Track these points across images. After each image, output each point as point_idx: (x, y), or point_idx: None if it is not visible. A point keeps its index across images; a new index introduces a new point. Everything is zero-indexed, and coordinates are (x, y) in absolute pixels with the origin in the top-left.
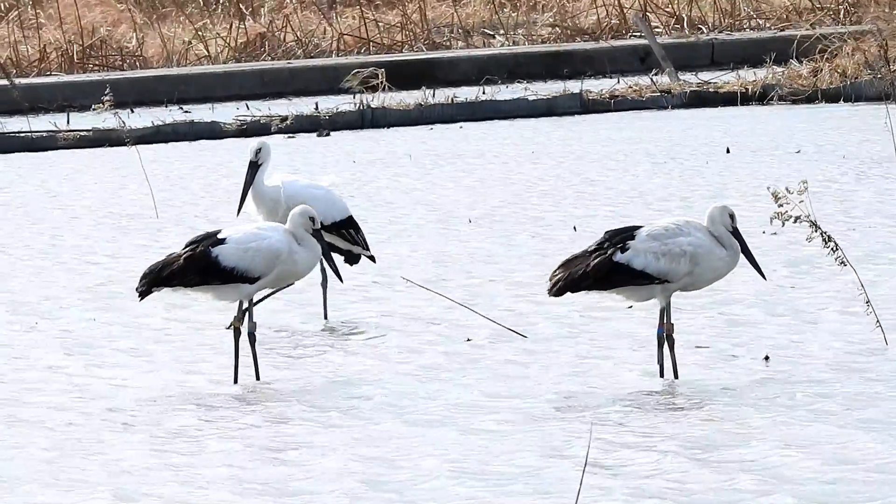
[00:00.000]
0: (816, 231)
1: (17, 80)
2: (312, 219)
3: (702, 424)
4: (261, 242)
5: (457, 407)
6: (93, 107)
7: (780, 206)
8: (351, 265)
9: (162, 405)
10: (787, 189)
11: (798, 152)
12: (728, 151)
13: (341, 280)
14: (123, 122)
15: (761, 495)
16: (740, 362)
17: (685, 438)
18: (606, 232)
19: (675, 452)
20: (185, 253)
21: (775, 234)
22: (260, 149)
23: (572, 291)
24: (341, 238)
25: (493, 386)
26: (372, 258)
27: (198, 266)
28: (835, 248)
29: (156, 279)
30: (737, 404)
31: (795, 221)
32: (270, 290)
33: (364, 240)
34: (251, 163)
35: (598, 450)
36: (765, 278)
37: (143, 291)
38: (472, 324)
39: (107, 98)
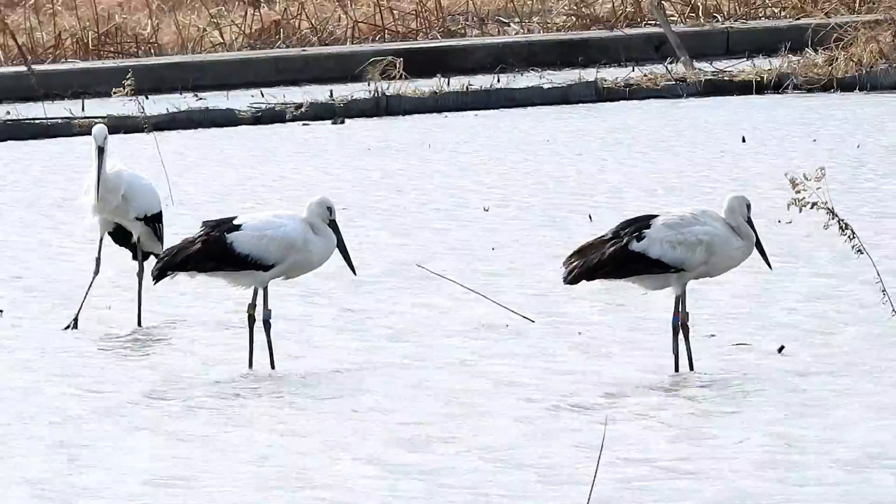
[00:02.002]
0: (833, 218)
1: (33, 67)
2: (330, 209)
3: (718, 414)
4: (276, 230)
5: (471, 395)
6: (113, 91)
7: (798, 192)
8: (143, 260)
9: (176, 391)
10: (804, 176)
11: (814, 141)
12: (743, 140)
13: (355, 272)
14: (142, 108)
15: (777, 482)
16: (754, 351)
17: (700, 428)
18: (622, 222)
19: (691, 442)
20: (200, 237)
21: (790, 222)
22: (106, 134)
23: (588, 279)
24: (153, 231)
25: (507, 374)
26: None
27: (212, 251)
28: (852, 236)
29: (170, 263)
30: (752, 394)
31: (812, 207)
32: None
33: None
34: (99, 148)
35: (613, 439)
36: (771, 268)
37: (158, 275)
38: (486, 311)
39: (128, 83)
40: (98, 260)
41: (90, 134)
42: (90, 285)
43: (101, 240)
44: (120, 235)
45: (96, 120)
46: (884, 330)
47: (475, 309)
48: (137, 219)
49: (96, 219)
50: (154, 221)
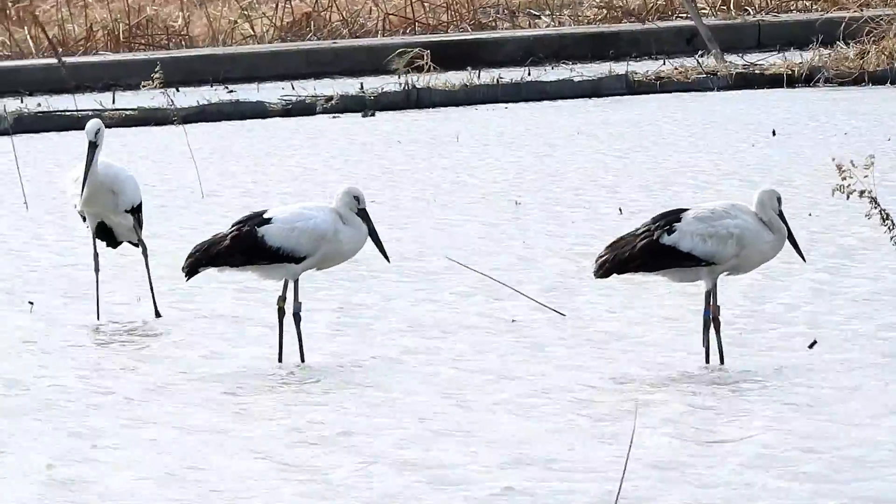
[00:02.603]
0: (876, 207)
1: (64, 59)
2: (358, 198)
3: (748, 409)
4: (306, 222)
5: (500, 386)
6: (142, 84)
7: (844, 178)
8: (115, 248)
9: (204, 383)
10: (851, 163)
11: (845, 134)
12: (774, 134)
13: (388, 260)
14: (172, 101)
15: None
16: (786, 346)
17: (730, 422)
18: (654, 217)
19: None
20: (231, 232)
21: (818, 216)
22: (99, 129)
23: (618, 273)
24: (138, 222)
25: (537, 366)
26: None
27: (243, 245)
28: (891, 227)
29: (202, 258)
30: (782, 389)
31: (862, 195)
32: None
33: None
34: (91, 143)
35: (643, 433)
36: (805, 261)
37: (190, 271)
38: (516, 304)
39: (157, 75)
40: (96, 256)
41: (120, 126)
42: (97, 282)
43: (94, 235)
44: (102, 228)
45: (127, 112)
46: None
47: (505, 302)
48: (125, 211)
49: (85, 214)
50: (138, 212)
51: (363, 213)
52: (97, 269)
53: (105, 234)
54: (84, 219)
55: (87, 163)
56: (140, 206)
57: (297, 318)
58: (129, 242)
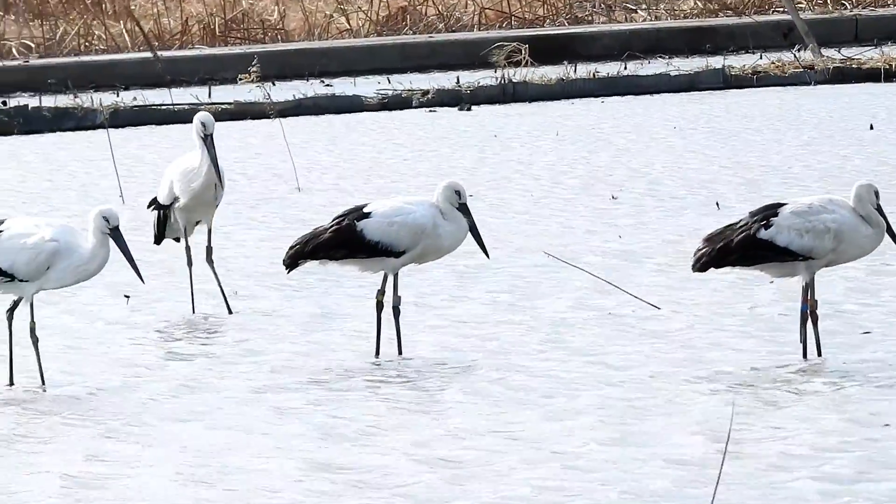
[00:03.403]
0: None
1: (160, 53)
2: (458, 192)
3: (845, 404)
4: (406, 217)
5: (594, 380)
6: (238, 78)
7: None
8: (158, 244)
9: (304, 374)
10: None
11: None
12: (871, 128)
13: (487, 255)
14: (268, 95)
15: None
16: (881, 341)
17: (827, 418)
18: (751, 212)
19: (818, 432)
20: (331, 226)
21: None
22: (209, 122)
23: (716, 267)
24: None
25: (631, 360)
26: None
27: (343, 239)
28: None
29: (301, 251)
30: (878, 384)
31: None
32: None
33: None
34: (210, 136)
35: (739, 428)
36: None
37: (290, 264)
38: (612, 297)
39: (253, 69)
40: (188, 249)
41: (217, 120)
42: (191, 276)
43: (185, 228)
44: (162, 224)
45: (223, 106)
46: None
47: (602, 296)
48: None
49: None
50: None
51: (464, 208)
52: (190, 264)
53: (160, 228)
54: (160, 212)
55: (213, 155)
56: None
57: (396, 311)
58: (173, 239)
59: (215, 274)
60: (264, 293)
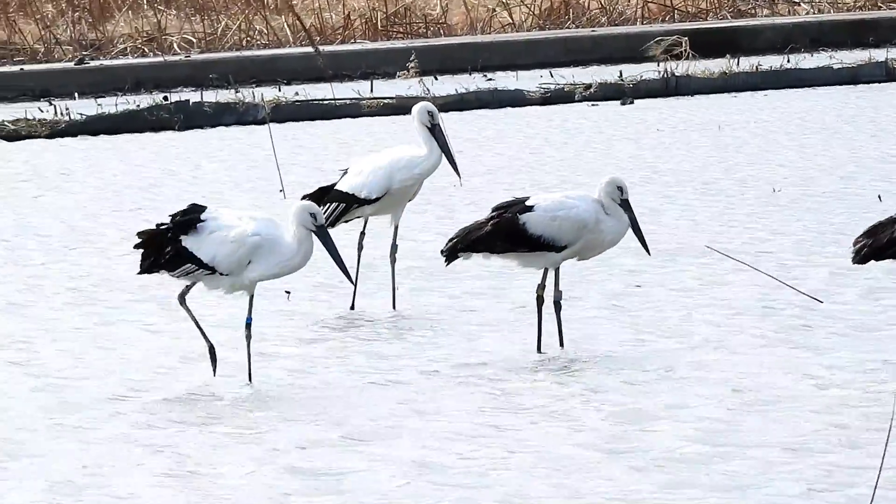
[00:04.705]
0: None
1: (321, 48)
2: (621, 188)
3: None
4: (568, 211)
5: (748, 377)
6: (397, 73)
7: None
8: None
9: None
10: None
11: None
12: None
13: (648, 252)
14: (427, 89)
15: None
16: None
17: None
18: None
19: None
20: (491, 219)
21: None
22: (435, 111)
23: (876, 259)
24: None
25: (793, 354)
26: None
27: (504, 232)
28: None
29: (462, 244)
30: None
31: None
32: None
33: None
34: (437, 125)
35: None
36: None
37: (449, 255)
38: (773, 290)
39: (412, 65)
40: (361, 246)
41: (378, 115)
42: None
43: (365, 225)
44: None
45: (384, 101)
46: None
47: (763, 288)
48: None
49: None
50: None
51: (625, 204)
52: (360, 249)
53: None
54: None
55: (445, 143)
56: None
57: (557, 306)
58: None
59: (393, 271)
60: (428, 285)
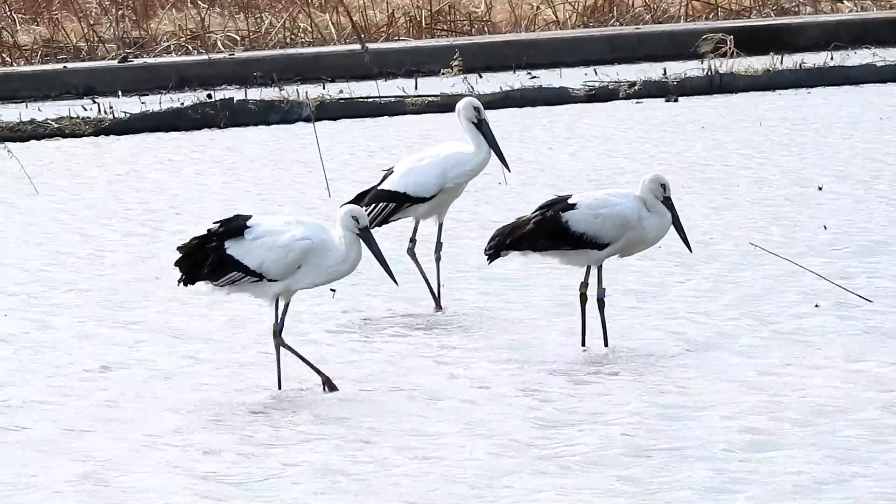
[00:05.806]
0: None
1: (366, 45)
2: (664, 186)
3: None
4: (611, 209)
5: (800, 372)
6: (441, 71)
7: None
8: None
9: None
10: None
11: None
12: None
13: (690, 250)
14: (471, 87)
15: None
16: None
17: None
18: None
19: None
20: (534, 217)
21: None
22: (481, 107)
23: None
24: None
25: (841, 353)
26: None
27: (547, 230)
28: None
29: (504, 242)
30: None
31: None
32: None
33: None
34: (483, 120)
35: None
36: None
37: (492, 254)
38: (819, 289)
39: (455, 63)
40: (413, 250)
41: (423, 112)
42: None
43: (417, 224)
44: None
45: (429, 99)
46: None
47: (808, 287)
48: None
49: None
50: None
51: (668, 202)
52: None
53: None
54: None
55: (494, 141)
56: None
57: (601, 303)
58: None
59: (438, 269)
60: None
